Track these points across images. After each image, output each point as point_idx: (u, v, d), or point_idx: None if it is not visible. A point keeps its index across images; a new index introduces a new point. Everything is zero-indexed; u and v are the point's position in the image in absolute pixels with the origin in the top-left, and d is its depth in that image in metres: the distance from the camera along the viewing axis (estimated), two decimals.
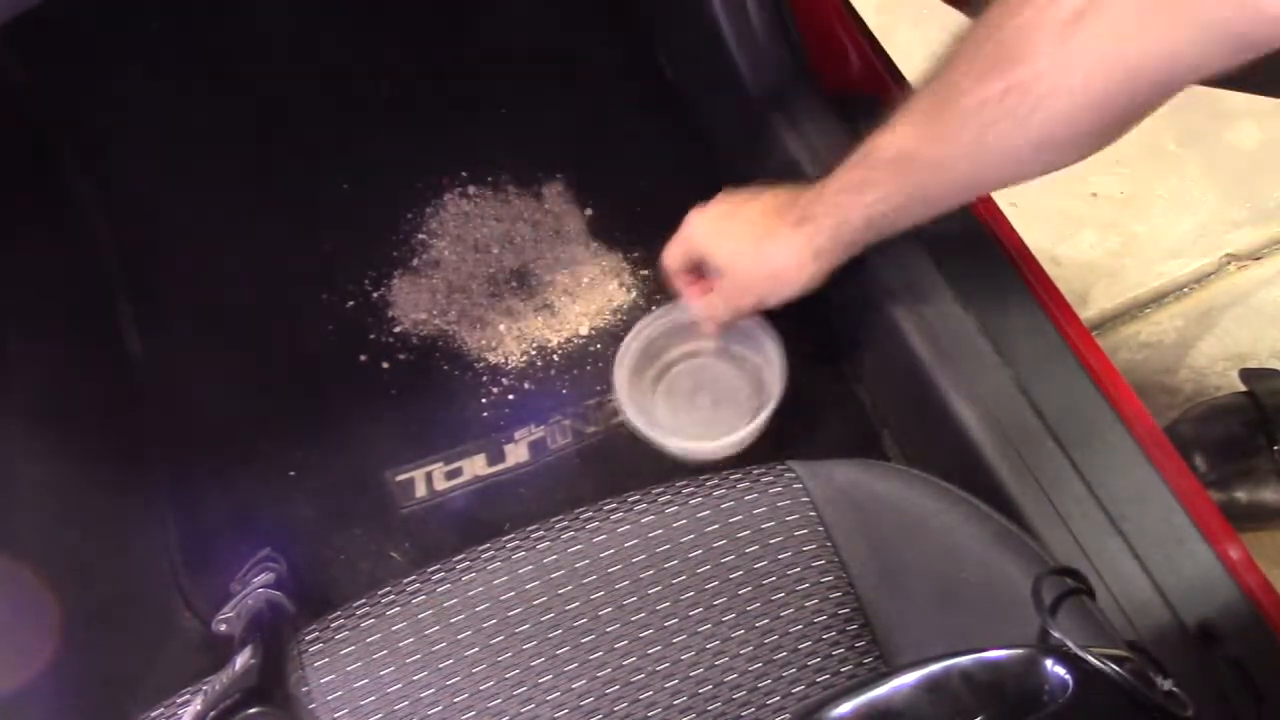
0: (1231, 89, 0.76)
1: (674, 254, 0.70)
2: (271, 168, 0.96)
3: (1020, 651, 0.42)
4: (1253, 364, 1.09)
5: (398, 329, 0.89)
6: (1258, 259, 1.18)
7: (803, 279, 0.62)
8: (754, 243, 0.63)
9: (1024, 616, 0.52)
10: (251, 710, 0.48)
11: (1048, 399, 0.66)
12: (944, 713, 0.39)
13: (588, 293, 0.90)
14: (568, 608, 0.53)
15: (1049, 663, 0.41)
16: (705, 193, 0.70)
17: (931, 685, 0.40)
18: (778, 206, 0.63)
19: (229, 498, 0.82)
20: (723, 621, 0.53)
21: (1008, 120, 0.47)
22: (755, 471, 0.58)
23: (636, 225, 0.93)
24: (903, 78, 0.79)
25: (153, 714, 0.52)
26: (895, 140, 0.55)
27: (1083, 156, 0.49)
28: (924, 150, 0.53)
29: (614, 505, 0.57)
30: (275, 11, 1.00)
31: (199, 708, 0.50)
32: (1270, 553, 0.97)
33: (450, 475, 0.83)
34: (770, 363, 0.75)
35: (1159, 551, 0.60)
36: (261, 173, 0.96)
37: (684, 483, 0.58)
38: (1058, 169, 0.50)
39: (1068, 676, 0.40)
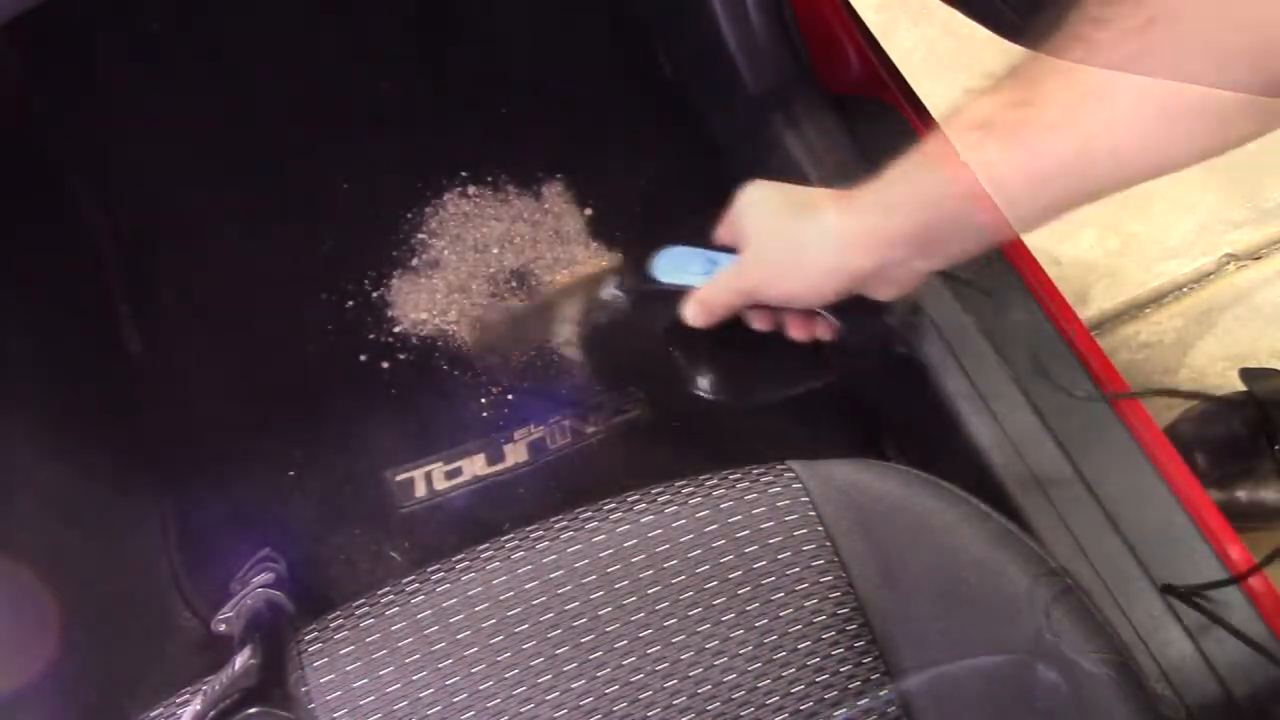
0: None
1: (722, 230, 0.59)
2: (271, 167, 0.96)
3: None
4: (1253, 364, 1.09)
5: (398, 329, 0.89)
6: (1257, 259, 1.18)
7: (821, 268, 0.51)
8: (792, 215, 0.52)
9: (1023, 616, 0.52)
10: (251, 710, 0.48)
11: (1047, 399, 0.66)
12: None
13: None
14: (567, 608, 0.53)
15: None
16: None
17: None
18: (839, 193, 0.51)
19: (229, 498, 0.82)
20: (722, 621, 0.53)
21: (1144, 62, 0.38)
22: (755, 471, 0.58)
23: (636, 225, 0.93)
24: (903, 78, 0.79)
25: (152, 714, 0.52)
26: (980, 108, 0.43)
27: (1229, 139, 0.39)
28: (1012, 117, 0.42)
29: (613, 505, 0.57)
30: (275, 11, 1.00)
31: (199, 708, 0.50)
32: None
33: (450, 475, 0.83)
34: None
35: (1159, 551, 0.60)
36: (261, 172, 0.96)
37: (683, 483, 0.58)
38: (1185, 158, 0.40)
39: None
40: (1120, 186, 0.42)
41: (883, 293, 0.54)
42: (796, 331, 0.60)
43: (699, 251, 0.59)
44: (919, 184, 0.47)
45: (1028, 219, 0.45)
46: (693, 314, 0.59)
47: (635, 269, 0.61)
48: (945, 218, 0.47)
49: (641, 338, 0.66)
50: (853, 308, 0.54)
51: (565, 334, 0.73)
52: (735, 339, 0.62)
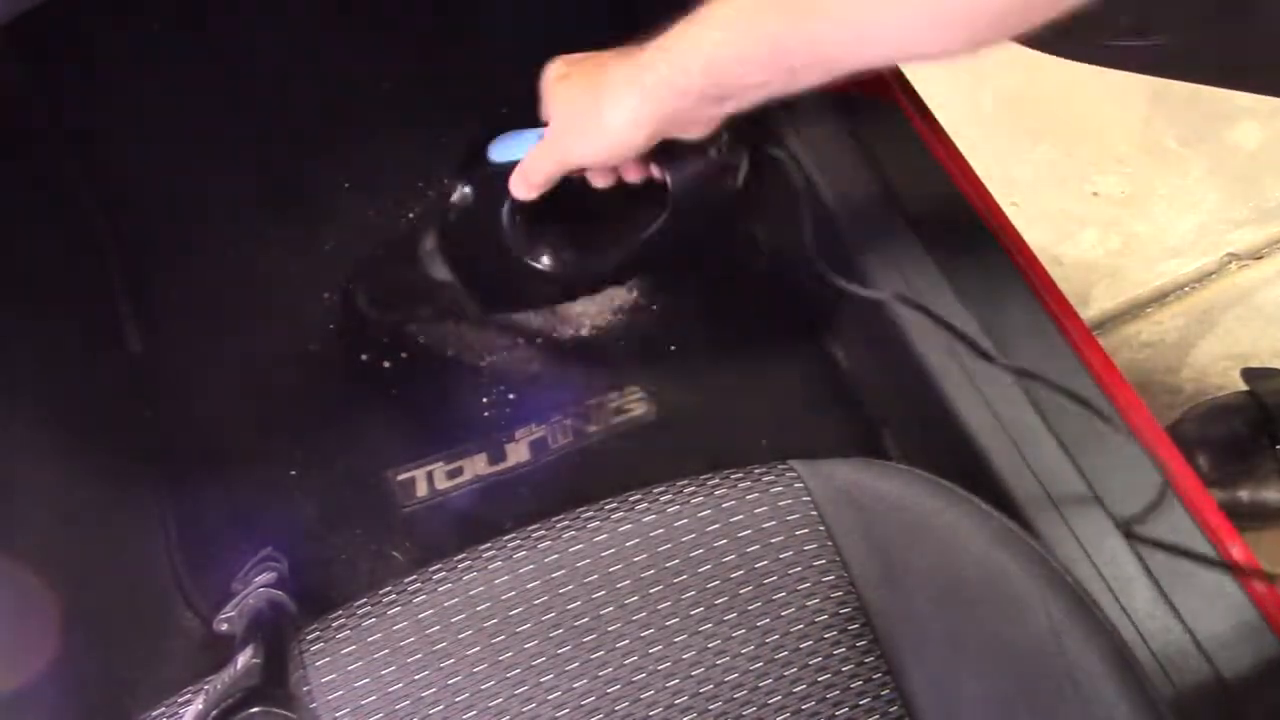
0: (1233, 88, 0.76)
1: (543, 109, 0.62)
2: (271, 167, 0.96)
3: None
4: (1254, 363, 1.09)
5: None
6: (1259, 258, 1.18)
7: (620, 121, 0.53)
8: (587, 79, 0.56)
9: (1024, 616, 0.52)
10: (253, 710, 0.48)
11: (1048, 399, 0.66)
12: None
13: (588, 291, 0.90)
14: (569, 607, 0.53)
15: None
16: None
17: None
18: (628, 51, 0.55)
19: (229, 497, 0.82)
20: (724, 621, 0.53)
21: None
22: (756, 471, 0.58)
23: None
24: (904, 77, 0.79)
25: (154, 714, 0.52)
26: None
27: (979, 36, 0.43)
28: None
29: (615, 504, 0.57)
30: (275, 11, 1.00)
31: (200, 707, 0.50)
32: (1272, 552, 0.97)
33: (451, 474, 0.83)
34: None
35: (1160, 551, 0.60)
36: (261, 172, 0.96)
37: (685, 482, 0.58)
38: (945, 47, 0.44)
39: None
40: (897, 62, 0.49)
41: (691, 133, 0.57)
42: (630, 174, 0.64)
43: (530, 131, 0.62)
44: (702, 45, 0.50)
45: (808, 80, 0.50)
46: (516, 187, 0.62)
47: (474, 157, 0.64)
48: (730, 74, 0.50)
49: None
50: (674, 149, 0.58)
51: (430, 248, 0.75)
52: (570, 212, 0.65)
